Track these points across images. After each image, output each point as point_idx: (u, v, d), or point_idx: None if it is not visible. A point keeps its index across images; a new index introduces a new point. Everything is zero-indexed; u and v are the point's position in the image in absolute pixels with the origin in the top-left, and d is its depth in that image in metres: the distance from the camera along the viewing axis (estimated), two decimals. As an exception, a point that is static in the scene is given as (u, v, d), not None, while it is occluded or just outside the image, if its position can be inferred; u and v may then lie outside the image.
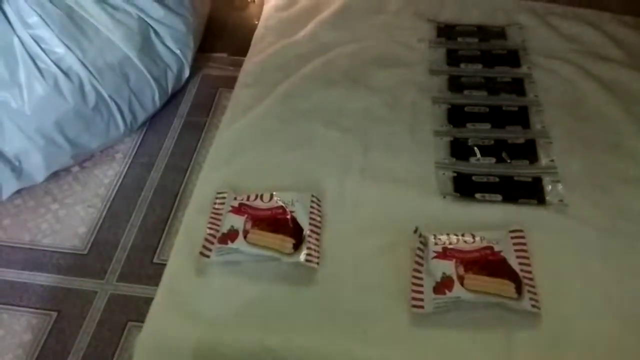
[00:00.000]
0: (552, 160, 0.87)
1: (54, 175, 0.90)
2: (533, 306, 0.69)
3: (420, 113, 0.96)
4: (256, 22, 1.15)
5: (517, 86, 1.00)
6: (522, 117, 0.94)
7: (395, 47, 1.07)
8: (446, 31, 1.10)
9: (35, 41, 0.81)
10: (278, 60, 1.06)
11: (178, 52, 0.95)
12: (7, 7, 0.79)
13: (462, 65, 1.04)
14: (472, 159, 0.89)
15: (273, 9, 1.17)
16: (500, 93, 0.99)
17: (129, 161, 0.94)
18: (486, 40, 1.08)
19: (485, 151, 0.89)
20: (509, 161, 0.88)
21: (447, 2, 1.17)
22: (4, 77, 0.81)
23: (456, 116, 0.95)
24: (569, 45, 1.07)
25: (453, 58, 1.05)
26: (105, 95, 0.87)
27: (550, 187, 0.84)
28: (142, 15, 0.90)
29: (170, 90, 0.97)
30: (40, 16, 0.80)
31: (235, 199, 0.83)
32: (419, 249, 0.76)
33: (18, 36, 0.80)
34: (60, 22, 0.82)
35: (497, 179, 0.85)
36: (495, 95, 0.99)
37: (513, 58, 1.05)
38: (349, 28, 1.11)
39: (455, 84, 1.00)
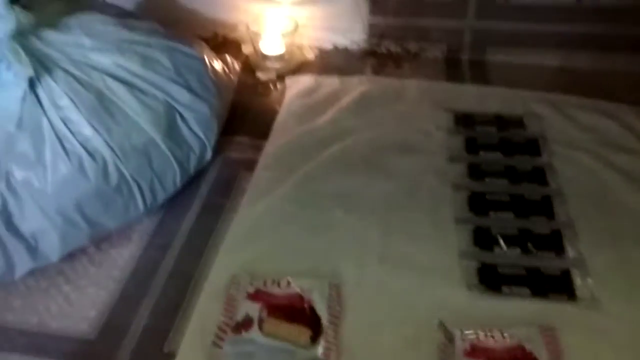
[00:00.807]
0: (580, 253, 0.85)
1: (69, 255, 0.88)
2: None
3: (441, 200, 0.95)
4: (278, 108, 1.18)
5: (539, 175, 0.99)
6: (546, 207, 0.93)
7: (414, 134, 1.08)
8: (464, 120, 1.11)
9: (64, 123, 0.83)
10: (299, 145, 1.07)
11: (202, 135, 0.97)
12: (40, 90, 0.82)
13: (482, 153, 1.04)
14: (497, 249, 0.86)
15: (295, 95, 1.20)
16: (522, 182, 0.98)
17: (146, 242, 0.92)
18: (505, 129, 1.09)
19: (510, 241, 0.87)
20: (535, 252, 0.85)
21: (464, 93, 1.20)
22: (30, 157, 0.82)
23: (478, 204, 0.94)
24: (588, 135, 1.07)
25: (472, 146, 1.06)
26: (128, 176, 0.87)
27: (579, 281, 0.81)
28: (169, 100, 0.92)
29: (192, 172, 0.98)
30: (71, 99, 0.83)
31: (251, 284, 0.80)
32: (444, 344, 0.72)
33: (48, 117, 0.82)
34: (91, 105, 0.84)
35: (523, 271, 0.82)
36: (517, 184, 0.98)
37: (533, 147, 1.05)
38: (369, 115, 1.13)
39: (476, 172, 1.00)
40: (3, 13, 0.79)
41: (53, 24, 0.89)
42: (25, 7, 0.85)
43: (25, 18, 0.83)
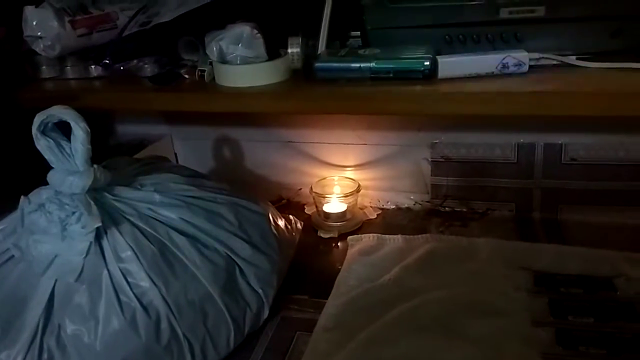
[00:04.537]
0: None
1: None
2: None
3: (529, 372, 0.82)
4: (339, 266, 1.13)
5: (644, 345, 0.85)
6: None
7: (489, 295, 0.98)
8: (545, 280, 1.02)
9: (123, 274, 0.81)
10: (361, 304, 0.99)
11: (260, 291, 0.92)
12: (104, 242, 0.82)
13: (570, 318, 0.92)
14: None
15: (357, 253, 1.16)
16: (622, 353, 0.84)
17: (190, 412, 0.83)
18: (593, 291, 0.98)
19: None
20: None
21: (541, 252, 1.11)
22: (84, 310, 0.80)
23: (575, 378, 0.80)
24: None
25: (558, 309, 0.94)
26: (180, 334, 0.81)
27: None
28: (230, 254, 0.90)
29: (246, 331, 0.91)
30: (134, 251, 0.82)
31: None
32: None
33: (108, 269, 0.81)
34: (152, 257, 0.83)
35: None
36: (616, 355, 0.84)
37: (629, 312, 0.92)
38: (437, 274, 1.06)
39: (566, 339, 0.87)
40: (82, 170, 0.84)
41: (128, 183, 0.93)
42: (105, 167, 0.90)
43: (103, 176, 0.87)
